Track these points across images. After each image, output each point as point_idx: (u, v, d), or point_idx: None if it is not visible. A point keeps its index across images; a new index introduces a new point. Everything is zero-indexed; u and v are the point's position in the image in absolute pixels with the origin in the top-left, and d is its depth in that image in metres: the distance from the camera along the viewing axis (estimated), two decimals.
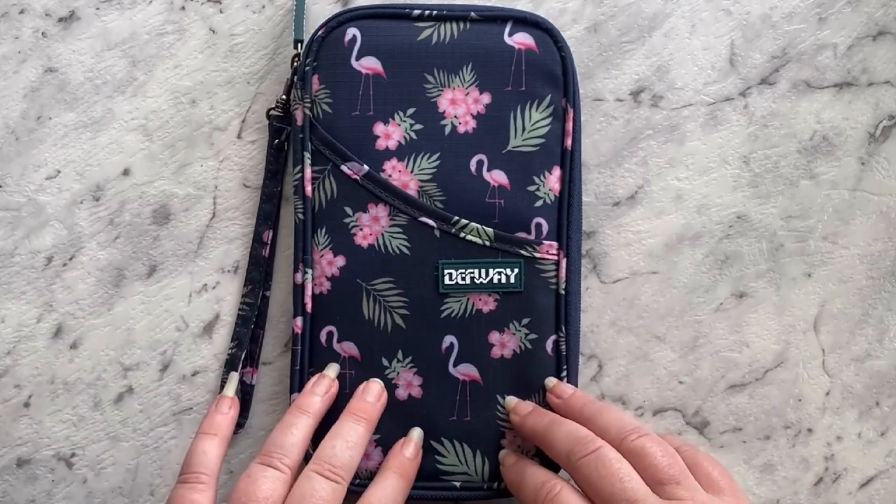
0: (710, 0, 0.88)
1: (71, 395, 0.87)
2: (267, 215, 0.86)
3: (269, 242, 0.86)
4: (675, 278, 0.87)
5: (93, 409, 0.87)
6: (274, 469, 0.74)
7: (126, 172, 0.87)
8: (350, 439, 0.77)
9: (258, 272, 0.86)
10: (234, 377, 0.85)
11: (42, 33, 0.88)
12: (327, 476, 0.74)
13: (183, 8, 0.88)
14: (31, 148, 0.87)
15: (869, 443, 0.88)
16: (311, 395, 0.80)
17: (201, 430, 0.79)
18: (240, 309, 0.87)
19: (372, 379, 0.82)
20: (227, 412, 0.81)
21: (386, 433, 0.83)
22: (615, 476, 0.71)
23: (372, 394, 0.81)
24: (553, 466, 0.80)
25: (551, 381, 0.83)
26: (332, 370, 0.83)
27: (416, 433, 0.82)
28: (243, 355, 0.86)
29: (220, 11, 0.88)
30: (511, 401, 0.83)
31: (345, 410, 0.80)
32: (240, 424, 0.86)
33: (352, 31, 0.83)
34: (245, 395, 0.86)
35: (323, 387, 0.81)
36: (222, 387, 0.85)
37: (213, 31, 0.88)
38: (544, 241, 0.82)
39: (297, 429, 0.77)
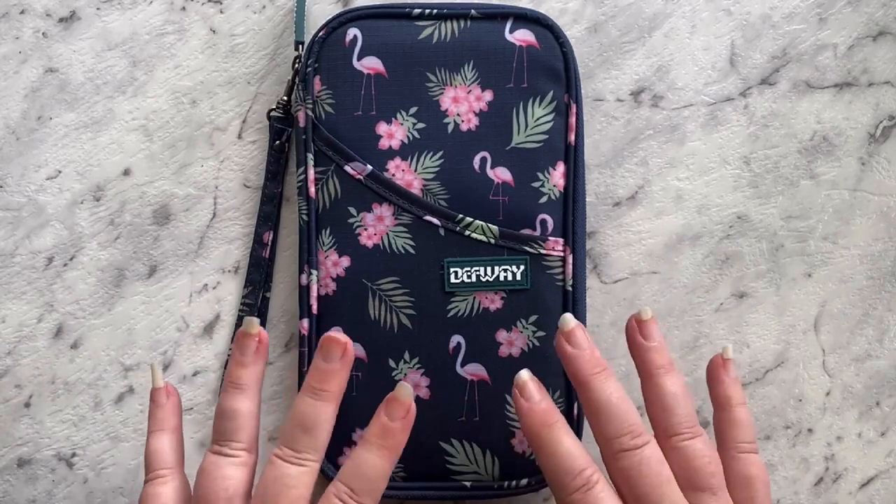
0: (711, 0, 0.88)
1: (71, 395, 0.87)
2: (267, 216, 0.86)
3: (270, 244, 0.86)
4: (676, 278, 0.87)
5: (93, 409, 0.87)
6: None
7: (126, 172, 0.87)
8: (314, 421, 0.71)
9: (258, 273, 0.86)
10: (154, 366, 0.77)
11: (42, 33, 0.88)
12: (296, 463, 0.70)
13: (183, 8, 0.88)
14: (31, 148, 0.87)
15: (869, 443, 0.88)
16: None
17: (148, 429, 0.76)
18: (240, 310, 0.87)
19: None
20: (164, 403, 0.76)
21: None
22: (655, 479, 0.70)
23: (333, 353, 0.73)
24: None
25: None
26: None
27: (403, 389, 0.72)
28: None
29: (221, 11, 0.88)
30: (523, 374, 0.74)
31: (305, 380, 0.73)
32: None
33: (352, 32, 0.83)
34: None
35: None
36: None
37: (214, 32, 0.88)
38: (550, 238, 0.82)
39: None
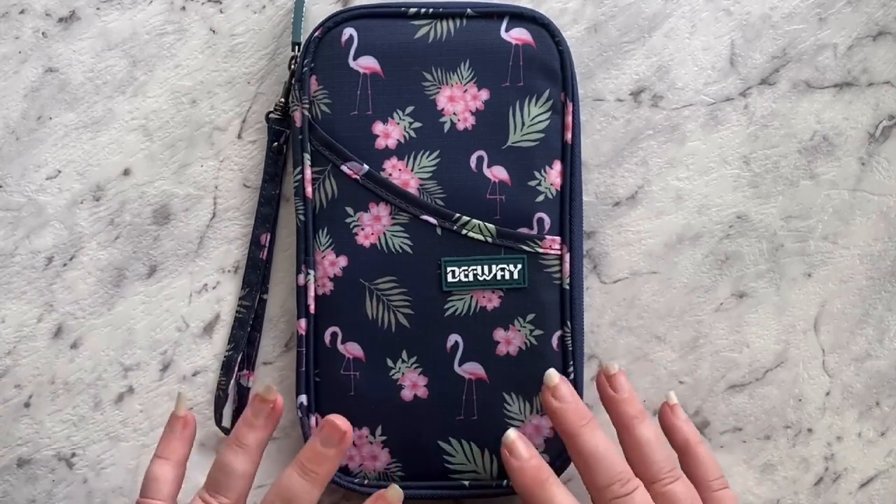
0: (710, 0, 0.88)
1: (71, 395, 0.87)
2: (265, 218, 0.86)
3: (267, 245, 0.86)
4: (676, 278, 0.87)
5: (93, 409, 0.87)
6: None
7: (126, 172, 0.87)
8: (297, 499, 0.74)
9: (255, 275, 0.86)
10: (181, 396, 0.81)
11: (42, 33, 0.88)
12: None
13: (183, 8, 0.88)
14: (31, 148, 0.87)
15: (869, 443, 0.88)
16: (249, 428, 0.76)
17: (156, 452, 0.79)
18: (237, 311, 0.87)
19: (334, 416, 0.75)
20: (179, 432, 0.79)
21: (393, 434, 0.83)
22: None
23: (331, 439, 0.75)
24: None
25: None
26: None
27: (393, 492, 0.75)
28: (239, 358, 0.86)
29: (221, 11, 0.88)
30: (511, 434, 0.78)
31: (297, 456, 0.75)
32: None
33: (348, 31, 0.83)
34: (242, 397, 0.86)
35: (262, 414, 0.76)
36: (216, 388, 0.85)
37: (214, 31, 0.88)
38: (546, 236, 0.82)
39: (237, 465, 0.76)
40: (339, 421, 0.75)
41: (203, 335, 0.87)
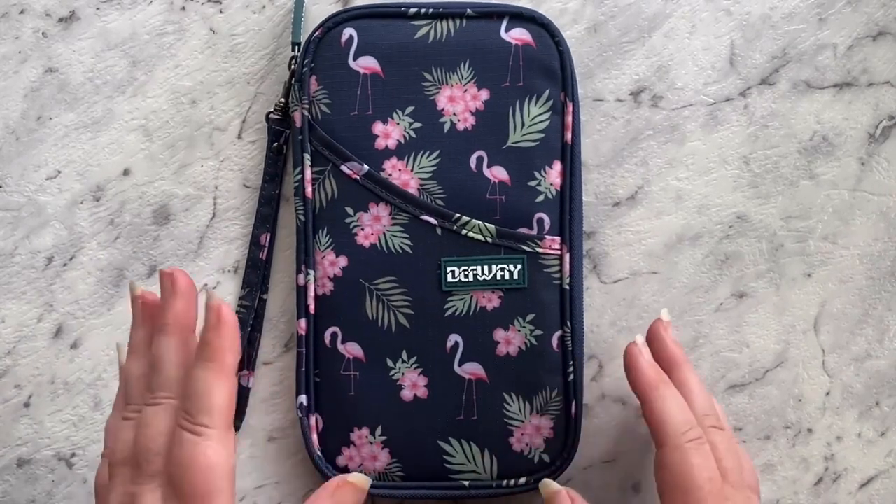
0: (710, 0, 0.88)
1: (71, 395, 0.87)
2: (265, 218, 0.86)
3: (267, 245, 0.86)
4: (675, 278, 0.87)
5: (93, 409, 0.87)
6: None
7: (126, 172, 0.87)
8: (158, 358, 0.69)
9: (255, 275, 0.86)
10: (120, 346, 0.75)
11: (42, 33, 0.88)
12: (151, 403, 0.68)
13: (183, 8, 0.88)
14: (31, 148, 0.87)
15: (869, 443, 0.88)
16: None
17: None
18: (237, 311, 0.86)
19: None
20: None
21: (393, 434, 0.83)
22: (736, 459, 0.75)
23: (165, 285, 0.71)
24: None
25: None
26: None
27: (209, 295, 0.70)
28: (239, 358, 0.85)
29: (221, 11, 0.88)
30: (638, 339, 0.80)
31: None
32: (235, 427, 0.85)
33: (348, 31, 0.83)
34: (241, 397, 0.86)
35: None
36: None
37: (214, 32, 0.88)
38: (546, 237, 0.82)
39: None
40: (166, 269, 0.71)
41: None
